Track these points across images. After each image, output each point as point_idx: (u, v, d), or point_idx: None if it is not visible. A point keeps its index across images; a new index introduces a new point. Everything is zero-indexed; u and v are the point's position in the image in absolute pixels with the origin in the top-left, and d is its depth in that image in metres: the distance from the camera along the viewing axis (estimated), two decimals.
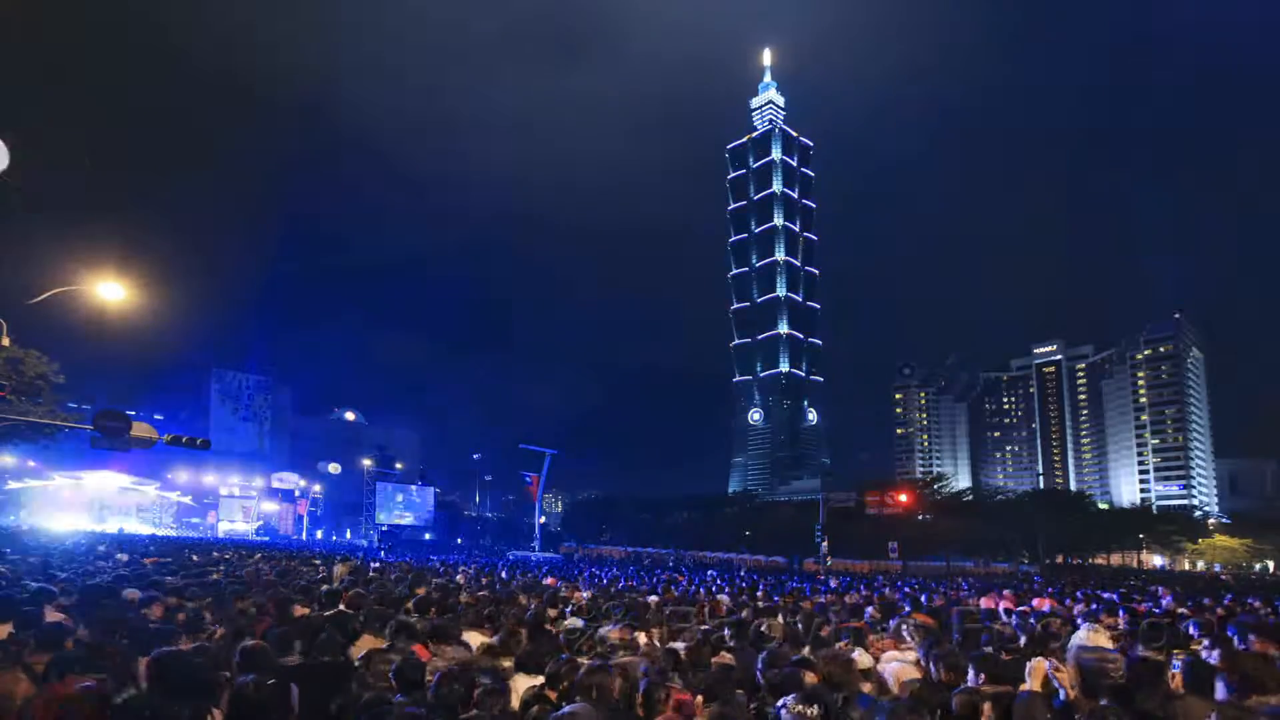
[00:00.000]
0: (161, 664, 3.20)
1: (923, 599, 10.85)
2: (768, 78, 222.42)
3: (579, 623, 5.88)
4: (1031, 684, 3.40)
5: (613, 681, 3.45)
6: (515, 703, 3.70)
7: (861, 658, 4.61)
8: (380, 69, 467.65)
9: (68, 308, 14.54)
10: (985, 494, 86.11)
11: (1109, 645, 4.91)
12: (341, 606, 6.71)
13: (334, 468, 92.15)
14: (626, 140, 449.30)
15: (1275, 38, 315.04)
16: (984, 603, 10.91)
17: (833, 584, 18.71)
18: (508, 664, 4.51)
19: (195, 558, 19.05)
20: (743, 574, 24.30)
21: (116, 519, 72.81)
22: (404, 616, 5.26)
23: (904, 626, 5.55)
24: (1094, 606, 9.98)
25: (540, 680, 3.97)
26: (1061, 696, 3.31)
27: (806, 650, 4.80)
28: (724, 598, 10.63)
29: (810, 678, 3.82)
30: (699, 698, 3.62)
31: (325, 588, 8.84)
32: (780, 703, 3.34)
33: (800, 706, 3.03)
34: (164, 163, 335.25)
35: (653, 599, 9.68)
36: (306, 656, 4.44)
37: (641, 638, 5.32)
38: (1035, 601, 11.68)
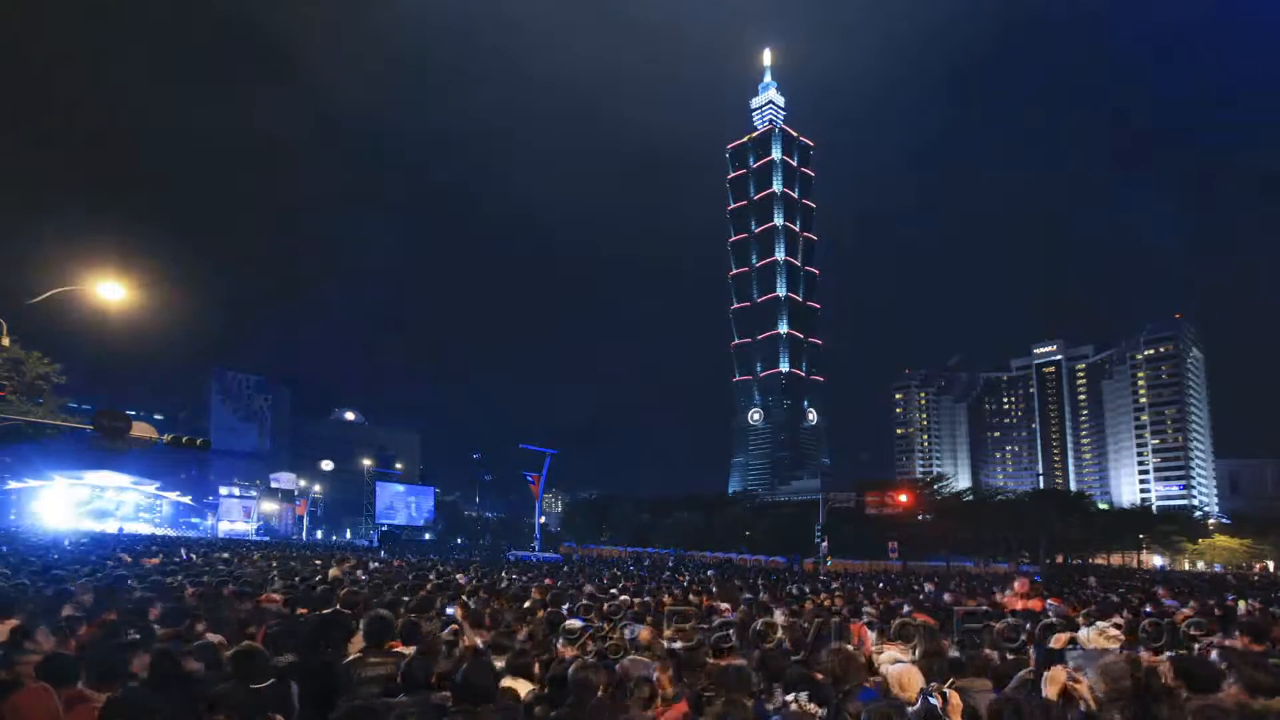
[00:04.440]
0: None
1: (928, 596, 10.78)
2: (768, 78, 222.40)
3: (578, 623, 5.87)
4: (1047, 692, 3.35)
5: (600, 678, 3.46)
6: None
7: (860, 655, 4.60)
8: (367, 75, 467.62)
9: (68, 308, 14.54)
10: (985, 494, 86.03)
11: (1112, 646, 4.89)
12: (337, 606, 6.71)
13: (326, 464, 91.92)
14: (626, 139, 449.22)
15: (1275, 38, 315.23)
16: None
17: (834, 585, 18.67)
18: (500, 664, 4.52)
19: (195, 558, 19.05)
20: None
21: (116, 519, 72.82)
22: (386, 612, 5.24)
23: (906, 626, 5.53)
24: (1094, 606, 9.96)
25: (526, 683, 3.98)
26: (1081, 709, 3.22)
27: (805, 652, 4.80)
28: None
29: (816, 678, 3.82)
30: (706, 695, 3.62)
31: (321, 588, 8.84)
32: (781, 700, 3.34)
33: (807, 705, 3.04)
34: (164, 162, 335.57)
35: (625, 598, 9.66)
36: (302, 656, 4.43)
37: (647, 634, 5.32)
38: (1033, 601, 11.64)
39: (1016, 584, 9.97)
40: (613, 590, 11.95)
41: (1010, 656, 5.18)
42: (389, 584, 10.64)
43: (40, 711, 3.20)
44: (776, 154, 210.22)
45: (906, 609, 9.06)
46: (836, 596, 12.63)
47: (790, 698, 3.33)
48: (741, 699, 3.28)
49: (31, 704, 3.22)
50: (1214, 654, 4.52)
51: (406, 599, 7.91)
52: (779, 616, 7.74)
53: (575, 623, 5.84)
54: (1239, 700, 3.39)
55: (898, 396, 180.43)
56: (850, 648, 4.48)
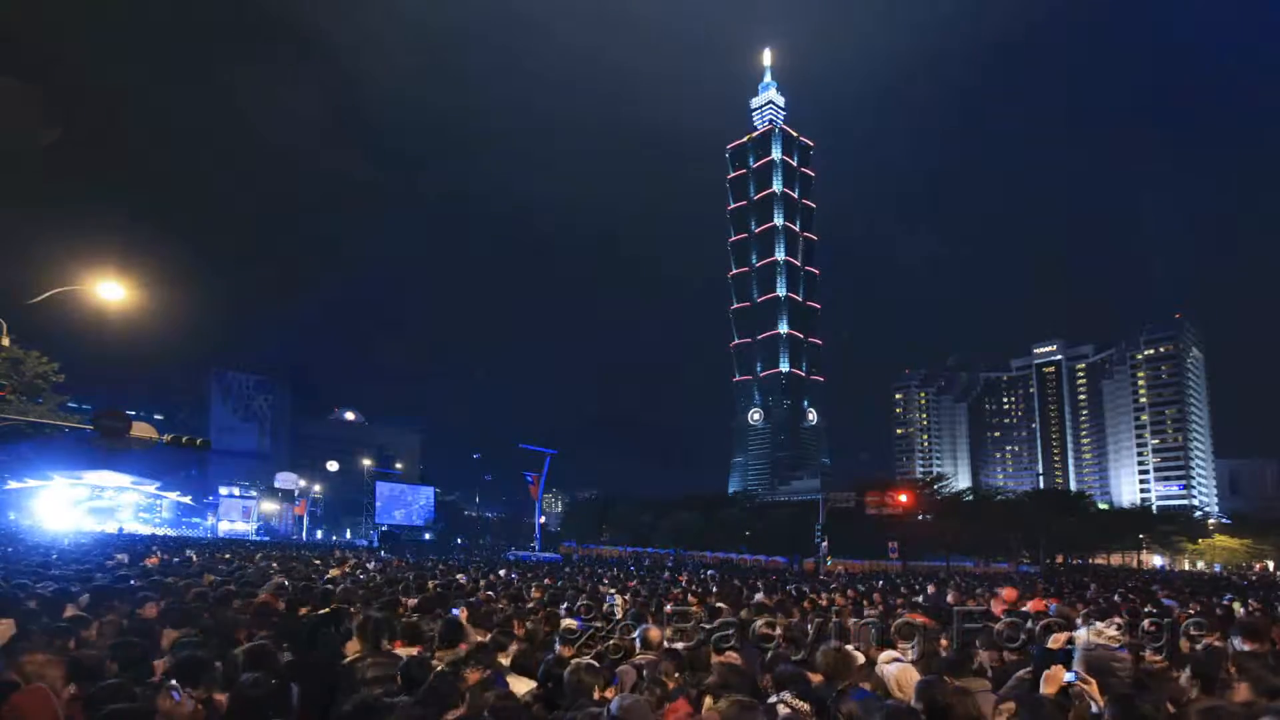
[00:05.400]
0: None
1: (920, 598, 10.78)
2: (768, 78, 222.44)
3: (575, 623, 5.88)
4: (1045, 690, 3.35)
5: (598, 680, 3.47)
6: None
7: (857, 655, 4.61)
8: (378, 75, 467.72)
9: (68, 308, 14.54)
10: (985, 494, 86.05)
11: (1112, 645, 4.89)
12: (336, 606, 6.71)
13: (331, 465, 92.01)
14: (626, 139, 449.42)
15: (1275, 39, 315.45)
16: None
17: (834, 585, 18.69)
18: (504, 663, 4.54)
19: (196, 558, 19.04)
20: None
21: (116, 519, 72.85)
22: (378, 613, 5.26)
23: (906, 626, 5.53)
24: (1094, 606, 9.97)
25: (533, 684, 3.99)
26: (1094, 710, 3.22)
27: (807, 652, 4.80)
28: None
29: (813, 678, 3.83)
30: (707, 698, 3.62)
31: (325, 587, 8.85)
32: (776, 699, 3.34)
33: (796, 702, 3.04)
34: (163, 162, 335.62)
35: (620, 600, 9.66)
36: (300, 655, 4.44)
37: (655, 635, 5.33)
38: (1033, 602, 11.65)
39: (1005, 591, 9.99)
40: (611, 591, 11.94)
41: (1013, 657, 5.19)
42: (390, 584, 10.65)
43: (42, 712, 3.20)
44: (776, 154, 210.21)
45: (903, 612, 9.05)
46: (837, 596, 12.64)
47: (775, 698, 3.33)
48: (743, 698, 3.29)
49: (32, 705, 3.22)
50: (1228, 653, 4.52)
51: (405, 599, 7.92)
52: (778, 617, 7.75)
53: (572, 623, 5.85)
54: (1246, 700, 3.40)
55: (898, 396, 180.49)
56: (849, 647, 4.49)
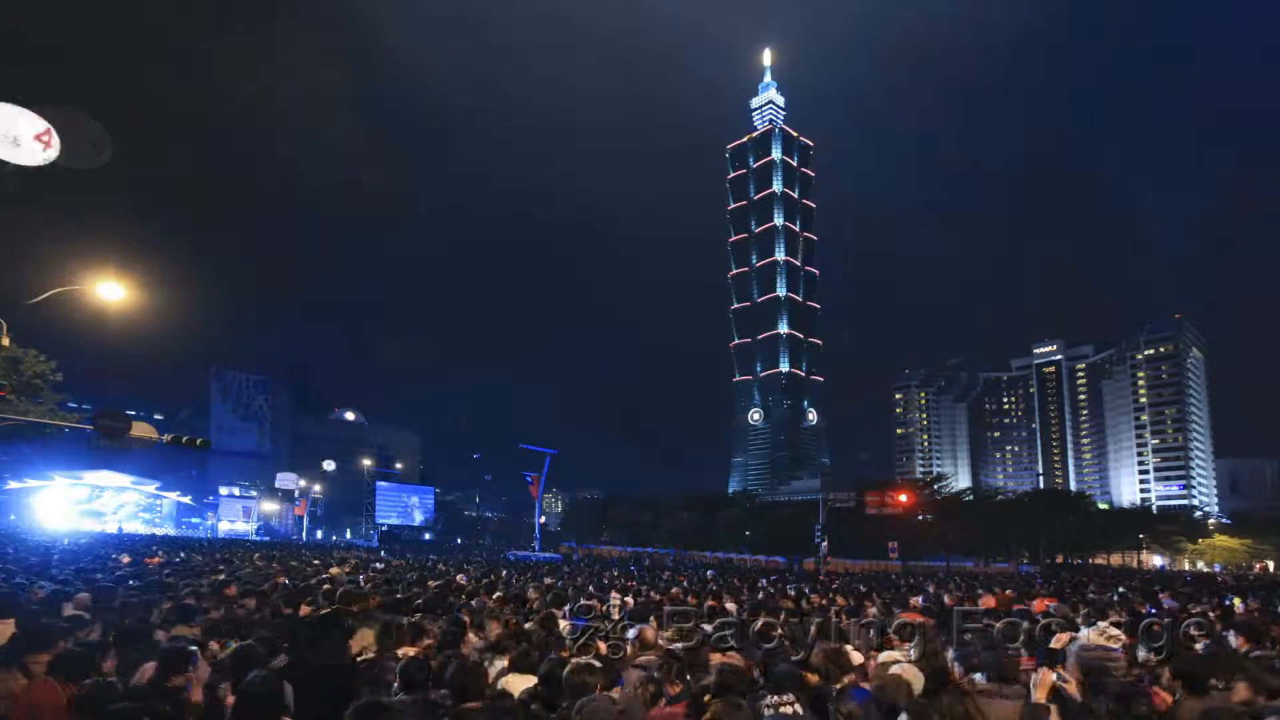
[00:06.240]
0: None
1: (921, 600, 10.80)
2: (768, 78, 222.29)
3: (570, 624, 5.89)
4: (1036, 695, 3.35)
5: (598, 679, 3.47)
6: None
7: (855, 655, 4.61)
8: (378, 67, 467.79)
9: (68, 308, 14.52)
10: (985, 494, 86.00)
11: (1113, 647, 4.90)
12: (338, 606, 6.70)
13: (328, 464, 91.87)
14: (626, 139, 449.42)
15: (1274, 40, 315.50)
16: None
17: (834, 585, 18.68)
18: (502, 663, 4.54)
19: (200, 559, 19.05)
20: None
21: (116, 519, 72.83)
22: (378, 613, 5.27)
23: (906, 627, 5.54)
24: (1093, 607, 9.97)
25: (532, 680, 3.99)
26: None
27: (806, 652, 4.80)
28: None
29: (811, 679, 3.82)
30: (706, 697, 3.62)
31: (325, 587, 8.85)
32: (774, 699, 3.34)
33: (794, 704, 3.04)
34: (164, 161, 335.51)
35: (616, 598, 9.69)
36: (301, 656, 4.44)
37: (650, 635, 5.33)
38: (1035, 602, 11.67)
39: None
40: (611, 592, 11.94)
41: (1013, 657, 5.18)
42: (391, 584, 10.66)
43: (51, 706, 3.24)
44: (776, 154, 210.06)
45: (898, 612, 9.07)
46: (838, 596, 12.64)
47: (775, 699, 3.33)
48: (738, 699, 3.29)
49: (44, 697, 3.27)
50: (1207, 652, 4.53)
51: (401, 597, 7.92)
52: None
53: (567, 623, 5.85)
54: (1245, 700, 3.40)
55: (898, 396, 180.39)
56: (848, 647, 4.49)
